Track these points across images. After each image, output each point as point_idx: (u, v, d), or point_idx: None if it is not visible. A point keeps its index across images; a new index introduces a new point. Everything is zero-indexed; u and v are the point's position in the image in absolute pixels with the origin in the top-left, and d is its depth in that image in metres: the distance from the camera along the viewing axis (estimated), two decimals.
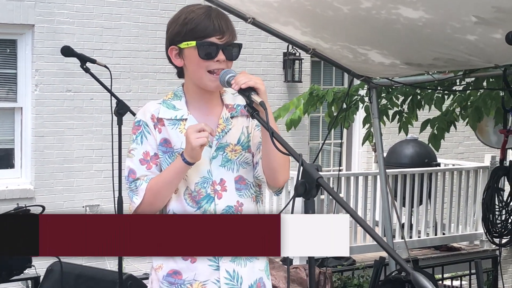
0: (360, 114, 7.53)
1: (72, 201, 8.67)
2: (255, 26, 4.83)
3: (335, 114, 6.35)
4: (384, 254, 8.12)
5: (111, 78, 4.07)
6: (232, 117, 2.65)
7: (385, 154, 9.67)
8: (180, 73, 2.69)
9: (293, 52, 9.97)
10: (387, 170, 8.96)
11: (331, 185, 8.49)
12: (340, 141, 11.03)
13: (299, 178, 2.04)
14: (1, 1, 8.15)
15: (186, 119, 2.61)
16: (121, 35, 8.88)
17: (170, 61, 2.68)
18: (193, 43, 2.56)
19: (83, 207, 8.71)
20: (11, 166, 8.58)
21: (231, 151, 2.63)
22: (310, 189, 2.02)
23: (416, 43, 4.39)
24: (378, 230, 8.60)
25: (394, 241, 8.41)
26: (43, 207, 4.20)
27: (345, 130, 10.69)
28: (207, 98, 2.65)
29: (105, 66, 4.06)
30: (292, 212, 2.12)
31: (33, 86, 8.46)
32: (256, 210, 2.68)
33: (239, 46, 2.63)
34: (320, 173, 2.05)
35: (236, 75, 2.49)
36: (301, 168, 2.04)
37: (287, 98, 10.07)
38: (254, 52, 9.96)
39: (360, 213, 8.62)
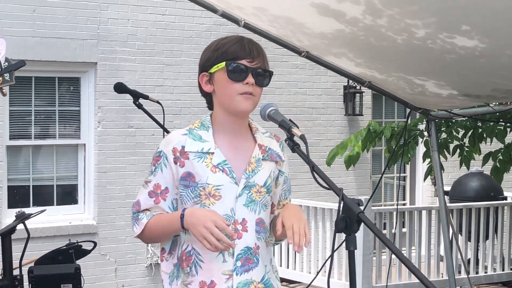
0: (422, 148, 7.42)
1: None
2: (309, 59, 4.81)
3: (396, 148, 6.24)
4: None
5: (164, 113, 4.09)
6: (263, 160, 2.63)
7: (449, 188, 9.50)
8: (210, 103, 2.68)
9: (354, 85, 9.91)
10: (452, 204, 8.84)
11: (394, 220, 8.34)
12: (403, 174, 10.87)
13: (340, 213, 1.98)
14: (64, 40, 8.33)
15: (213, 152, 2.57)
16: (182, 71, 8.97)
17: (200, 89, 2.67)
18: (222, 64, 2.55)
19: None
20: (75, 202, 8.69)
21: (257, 192, 2.60)
22: (351, 224, 1.96)
23: (472, 73, 4.30)
24: (443, 266, 8.40)
25: (460, 276, 8.23)
26: (95, 243, 4.21)
27: (408, 163, 10.53)
28: (236, 129, 2.62)
29: (158, 102, 4.08)
30: (333, 248, 2.06)
31: (95, 123, 8.59)
32: (269, 256, 2.68)
33: (270, 73, 2.61)
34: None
35: (277, 109, 2.46)
36: (342, 203, 1.98)
37: (348, 131, 9.99)
38: (314, 86, 9.93)
39: (424, 248, 8.45)
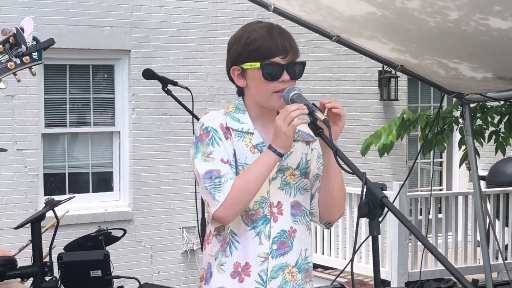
0: (459, 134, 7.32)
1: (169, 223, 8.76)
2: (340, 44, 4.76)
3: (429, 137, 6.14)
4: (481, 276, 7.82)
5: (193, 100, 4.08)
6: (294, 141, 2.56)
7: (486, 173, 9.38)
8: (241, 91, 2.64)
9: (389, 70, 9.80)
10: (488, 189, 8.72)
11: (430, 206, 8.25)
12: (440, 160, 10.76)
13: (363, 198, 1.95)
14: (98, 27, 8.36)
15: (252, 133, 2.55)
16: (215, 57, 8.94)
17: (232, 81, 2.62)
18: (257, 64, 2.50)
19: (180, 228, 8.79)
20: (110, 189, 8.74)
21: (291, 175, 2.56)
22: (374, 209, 1.92)
23: (507, 56, 4.21)
24: (481, 252, 8.29)
25: (497, 262, 8.13)
26: (125, 230, 4.21)
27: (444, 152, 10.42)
28: (268, 117, 2.58)
29: (187, 88, 4.07)
30: (356, 234, 2.02)
31: (130, 110, 8.62)
32: (309, 240, 2.62)
33: (303, 64, 2.56)
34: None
35: (301, 93, 2.42)
36: (365, 187, 1.95)
37: (383, 117, 9.91)
38: (349, 71, 9.85)
39: (460, 234, 8.35)
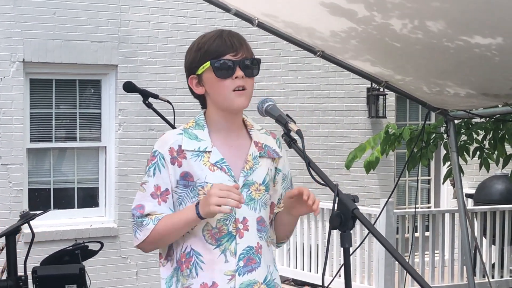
0: (444, 151, 7.31)
1: None
2: (324, 59, 4.74)
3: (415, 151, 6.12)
4: None
5: (174, 114, 4.05)
6: (260, 157, 2.57)
7: (473, 191, 9.37)
8: (203, 103, 2.62)
9: (377, 87, 9.81)
10: (476, 207, 8.73)
11: (419, 224, 8.22)
12: (428, 177, 10.75)
13: (335, 209, 1.92)
14: (85, 42, 8.33)
15: (210, 151, 2.52)
16: None
17: (192, 92, 2.61)
18: (207, 64, 2.50)
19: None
20: (96, 204, 8.68)
21: (256, 190, 2.54)
22: (345, 220, 1.89)
23: (489, 72, 4.21)
24: None
25: (484, 280, 8.09)
26: (102, 244, 4.16)
27: (432, 166, 10.42)
28: (231, 127, 2.57)
29: (168, 101, 4.04)
30: (327, 245, 2.00)
31: (116, 126, 8.58)
32: (271, 256, 2.61)
33: (258, 61, 2.56)
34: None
35: (275, 104, 2.40)
36: (337, 198, 1.92)
37: (371, 134, 9.88)
38: (337, 88, 9.85)
39: (447, 252, 8.33)
